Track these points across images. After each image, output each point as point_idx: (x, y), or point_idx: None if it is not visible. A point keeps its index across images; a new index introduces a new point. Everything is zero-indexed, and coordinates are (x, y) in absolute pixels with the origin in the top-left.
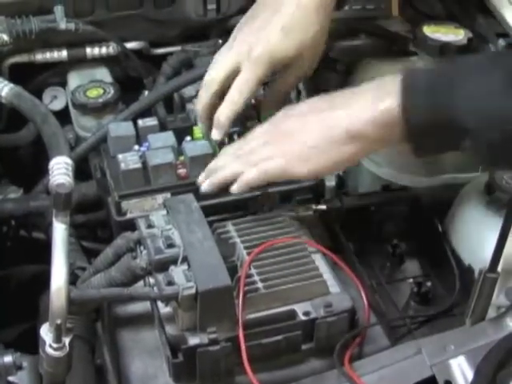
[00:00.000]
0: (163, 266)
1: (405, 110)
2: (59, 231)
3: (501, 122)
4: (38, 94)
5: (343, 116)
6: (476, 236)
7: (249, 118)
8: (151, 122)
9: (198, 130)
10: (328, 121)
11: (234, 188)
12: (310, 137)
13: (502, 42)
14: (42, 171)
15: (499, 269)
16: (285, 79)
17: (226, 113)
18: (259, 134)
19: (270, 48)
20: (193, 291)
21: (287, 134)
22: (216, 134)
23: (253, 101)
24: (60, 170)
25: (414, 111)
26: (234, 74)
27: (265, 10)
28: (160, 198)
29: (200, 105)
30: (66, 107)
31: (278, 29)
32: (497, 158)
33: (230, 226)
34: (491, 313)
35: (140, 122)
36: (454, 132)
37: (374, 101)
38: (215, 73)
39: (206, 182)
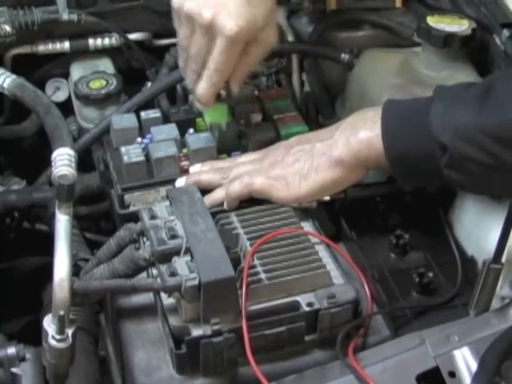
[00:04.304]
0: (166, 257)
1: (384, 139)
2: (62, 222)
3: (474, 135)
4: (41, 85)
5: (326, 144)
6: (480, 227)
7: (253, 111)
8: (154, 114)
9: (201, 122)
10: (312, 149)
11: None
12: (294, 163)
13: (506, 33)
14: (45, 163)
15: (503, 260)
16: (252, 54)
17: (206, 90)
18: (246, 158)
19: (242, 23)
20: (196, 282)
21: (272, 162)
22: (198, 106)
23: (256, 93)
24: (63, 161)
25: (392, 139)
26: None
27: None
28: (163, 191)
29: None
30: (69, 98)
31: (245, 3)
32: (479, 182)
33: (233, 217)
34: (495, 304)
35: (143, 114)
36: (432, 149)
37: (354, 130)
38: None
39: (181, 178)
